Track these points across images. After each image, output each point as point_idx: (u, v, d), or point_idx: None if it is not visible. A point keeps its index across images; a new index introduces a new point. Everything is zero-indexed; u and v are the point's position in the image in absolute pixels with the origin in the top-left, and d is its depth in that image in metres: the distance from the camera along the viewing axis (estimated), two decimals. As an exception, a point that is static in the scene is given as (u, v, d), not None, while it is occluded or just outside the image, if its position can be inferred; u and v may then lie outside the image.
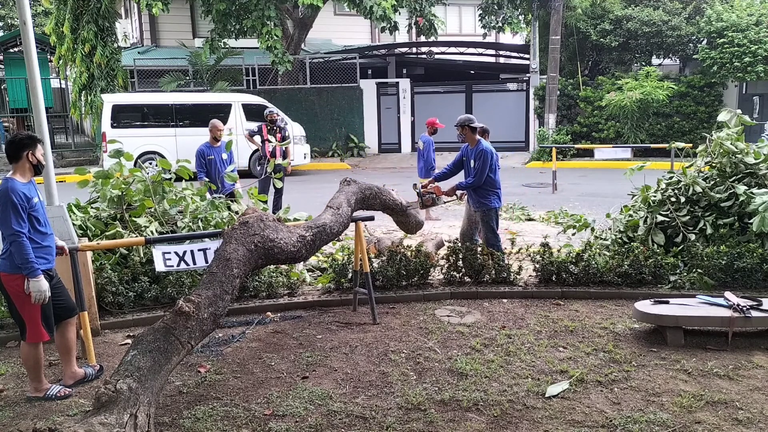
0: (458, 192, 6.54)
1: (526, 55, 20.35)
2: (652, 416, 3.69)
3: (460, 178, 6.60)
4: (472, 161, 6.35)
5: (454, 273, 6.23)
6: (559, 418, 3.72)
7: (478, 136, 6.39)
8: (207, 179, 7.93)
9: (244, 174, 12.19)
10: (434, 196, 6.48)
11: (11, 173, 4.00)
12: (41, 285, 3.91)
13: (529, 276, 6.32)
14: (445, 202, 6.72)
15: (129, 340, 5.04)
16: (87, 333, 4.62)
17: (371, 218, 5.90)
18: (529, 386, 4.11)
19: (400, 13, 17.43)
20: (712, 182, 6.47)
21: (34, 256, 3.93)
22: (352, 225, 5.54)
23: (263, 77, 19.57)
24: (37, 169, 4.07)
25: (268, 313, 5.68)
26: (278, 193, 9.52)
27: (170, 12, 17.08)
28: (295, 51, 18.64)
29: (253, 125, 10.96)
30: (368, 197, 5.77)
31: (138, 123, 15.62)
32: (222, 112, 15.59)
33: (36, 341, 4.07)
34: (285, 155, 9.81)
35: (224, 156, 8.22)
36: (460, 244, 6.36)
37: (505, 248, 6.63)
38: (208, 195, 6.79)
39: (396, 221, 6.39)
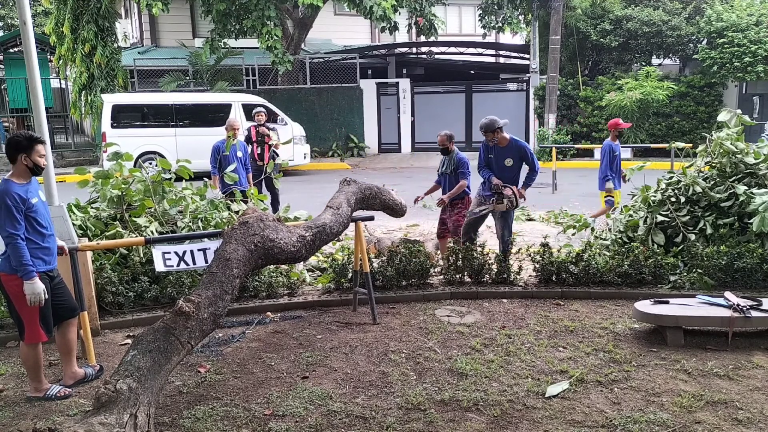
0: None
1: (526, 55, 20.34)
2: (652, 416, 3.69)
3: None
4: (507, 160, 6.38)
5: (454, 273, 6.23)
6: (559, 418, 3.73)
7: (507, 135, 6.46)
8: (218, 175, 8.01)
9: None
10: (515, 198, 6.28)
11: (9, 174, 4.00)
12: (36, 287, 3.90)
13: (529, 276, 6.32)
14: (520, 205, 6.65)
15: (129, 340, 5.04)
16: (87, 333, 4.62)
17: (371, 218, 5.90)
18: (529, 386, 4.11)
19: (400, 13, 17.42)
20: (712, 182, 6.47)
21: (34, 257, 3.94)
22: (352, 225, 5.54)
23: (263, 77, 19.57)
24: (34, 171, 4.02)
25: (268, 313, 5.68)
26: (274, 196, 9.32)
27: (170, 12, 17.07)
28: (295, 51, 18.64)
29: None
30: (368, 197, 5.77)
31: (138, 123, 15.61)
32: (222, 112, 15.57)
33: (34, 342, 4.07)
34: (273, 157, 9.54)
35: (239, 153, 8.32)
36: (460, 240, 6.38)
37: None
38: (208, 193, 6.79)
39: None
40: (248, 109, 15.47)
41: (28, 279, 3.88)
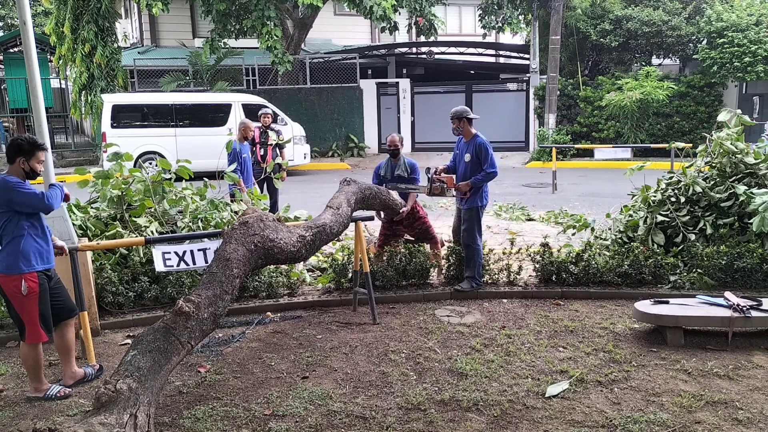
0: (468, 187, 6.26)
1: (526, 55, 20.34)
2: (652, 416, 3.69)
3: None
4: (467, 155, 6.03)
5: (454, 273, 6.22)
6: (559, 418, 3.73)
7: (473, 130, 6.15)
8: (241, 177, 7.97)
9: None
10: (444, 186, 6.13)
11: (6, 172, 4.01)
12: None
13: (529, 276, 6.32)
14: (453, 195, 6.29)
15: (129, 340, 5.04)
16: (87, 333, 4.62)
17: (371, 218, 5.90)
18: (529, 386, 4.11)
19: (400, 13, 17.41)
20: (712, 182, 6.47)
21: (33, 254, 3.97)
22: (352, 225, 5.54)
23: (263, 77, 19.56)
24: (29, 175, 4.05)
25: (268, 313, 5.68)
26: (273, 198, 9.25)
27: (170, 12, 17.06)
28: (295, 51, 18.64)
29: (253, 125, 10.89)
30: (368, 197, 5.77)
31: (138, 123, 15.60)
32: (222, 112, 15.59)
33: (34, 342, 4.07)
34: (275, 157, 9.49)
35: (244, 155, 8.36)
36: (452, 240, 6.35)
37: (505, 248, 6.62)
38: (209, 193, 6.78)
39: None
40: (248, 110, 15.49)
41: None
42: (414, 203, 6.35)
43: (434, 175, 6.15)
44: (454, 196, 6.25)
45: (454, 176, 6.16)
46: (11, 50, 21.22)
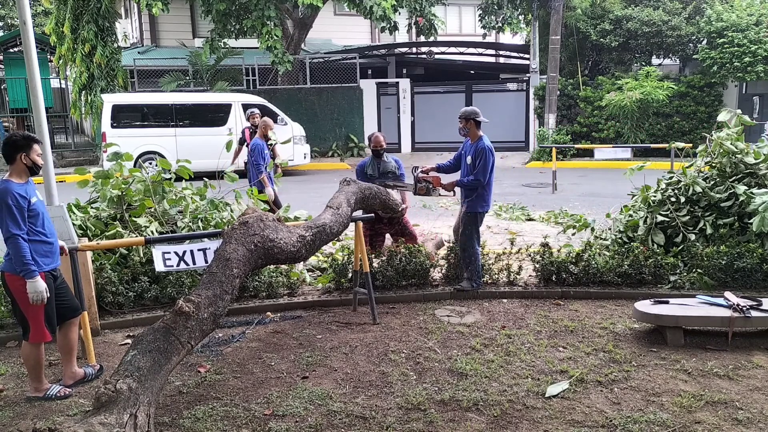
0: (455, 188, 6.16)
1: (526, 55, 20.34)
2: (652, 416, 3.69)
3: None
4: (469, 158, 5.95)
5: (454, 273, 6.22)
6: (559, 418, 3.73)
7: (480, 132, 6.02)
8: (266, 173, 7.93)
9: (241, 174, 12.09)
10: (430, 186, 6.09)
11: (8, 174, 4.01)
12: (38, 286, 3.90)
13: (529, 276, 6.32)
14: (440, 195, 6.26)
15: (129, 340, 5.04)
16: (87, 333, 4.62)
17: (371, 218, 5.89)
18: (529, 386, 4.11)
19: (400, 13, 17.41)
20: (712, 182, 6.47)
21: (39, 255, 3.95)
22: (352, 225, 5.54)
23: (263, 77, 19.56)
24: (33, 170, 4.04)
25: (268, 313, 5.68)
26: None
27: (170, 12, 17.07)
28: (295, 51, 18.64)
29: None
30: (368, 197, 5.77)
31: (138, 123, 15.61)
32: (222, 112, 15.60)
33: (38, 341, 4.07)
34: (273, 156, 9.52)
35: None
36: (453, 240, 6.33)
37: (505, 248, 6.61)
38: (209, 193, 6.77)
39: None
40: (248, 109, 15.49)
41: (31, 278, 3.88)
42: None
43: (420, 174, 6.14)
44: (440, 195, 6.24)
45: (440, 176, 6.15)
46: (11, 50, 21.22)
